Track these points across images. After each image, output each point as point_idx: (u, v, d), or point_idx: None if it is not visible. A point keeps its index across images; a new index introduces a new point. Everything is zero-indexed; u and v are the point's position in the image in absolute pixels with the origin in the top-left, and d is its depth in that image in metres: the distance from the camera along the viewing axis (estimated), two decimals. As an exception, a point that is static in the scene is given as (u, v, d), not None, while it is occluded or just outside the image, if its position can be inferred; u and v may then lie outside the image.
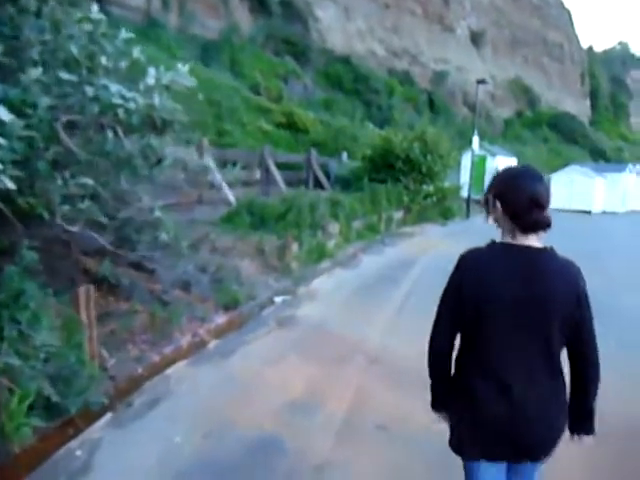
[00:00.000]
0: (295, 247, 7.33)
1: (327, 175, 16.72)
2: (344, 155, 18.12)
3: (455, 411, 1.88)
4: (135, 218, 5.39)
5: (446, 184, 15.38)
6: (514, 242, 1.76)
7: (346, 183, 15.11)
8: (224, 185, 11.16)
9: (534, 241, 1.75)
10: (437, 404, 1.99)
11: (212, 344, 4.61)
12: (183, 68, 3.79)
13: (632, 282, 8.50)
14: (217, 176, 11.30)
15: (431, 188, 14.22)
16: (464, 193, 18.04)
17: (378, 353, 4.67)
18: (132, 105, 2.94)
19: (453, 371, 1.91)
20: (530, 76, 52.83)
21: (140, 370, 3.89)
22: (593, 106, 63.67)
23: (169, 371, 4.03)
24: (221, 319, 5.02)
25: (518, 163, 25.36)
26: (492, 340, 1.74)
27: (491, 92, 48.89)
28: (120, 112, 2.92)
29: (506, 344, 1.73)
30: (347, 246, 9.61)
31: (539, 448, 1.80)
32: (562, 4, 61.73)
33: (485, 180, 21.20)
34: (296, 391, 3.81)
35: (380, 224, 11.96)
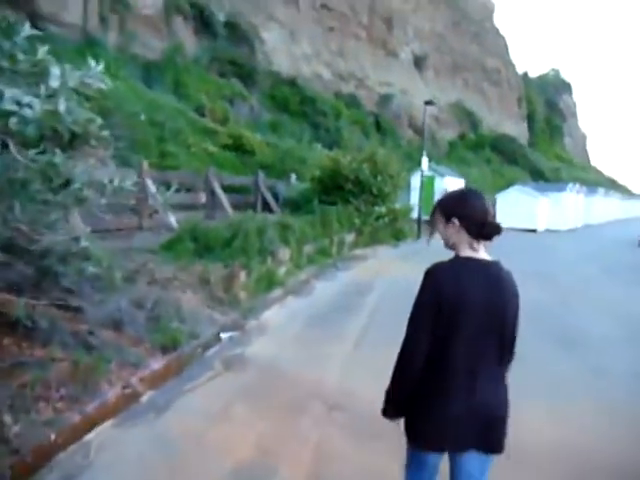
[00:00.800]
0: (243, 276, 6.74)
1: (276, 198, 16.22)
2: (292, 177, 17.71)
3: (421, 410, 1.98)
4: (56, 248, 4.71)
5: (397, 205, 15.18)
6: (472, 256, 1.98)
7: (295, 206, 14.65)
8: (165, 209, 10.46)
9: (484, 254, 2.00)
10: (395, 410, 2.07)
11: (146, 396, 3.93)
12: (96, 67, 3.17)
13: (594, 302, 8.39)
14: (158, 200, 10.58)
15: (383, 209, 13.96)
16: (414, 214, 17.98)
17: (338, 397, 4.13)
18: (28, 112, 2.34)
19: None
20: (471, 100, 54.58)
21: (53, 437, 3.19)
22: (530, 128, 66.40)
23: (90, 436, 3.34)
24: (158, 364, 4.35)
25: (465, 184, 25.72)
26: (461, 344, 1.91)
27: (435, 115, 50.01)
28: (12, 121, 2.31)
29: (472, 347, 1.92)
30: (299, 272, 9.08)
31: (495, 437, 1.97)
32: (498, 31, 64.52)
33: (434, 200, 21.26)
34: (243, 454, 3.21)
35: (332, 247, 11.53)
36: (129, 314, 5.10)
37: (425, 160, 17.92)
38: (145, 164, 10.56)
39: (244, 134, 21.76)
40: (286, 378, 4.48)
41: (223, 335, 5.41)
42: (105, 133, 3.35)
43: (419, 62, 49.05)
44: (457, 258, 2.00)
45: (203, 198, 13.01)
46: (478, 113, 54.76)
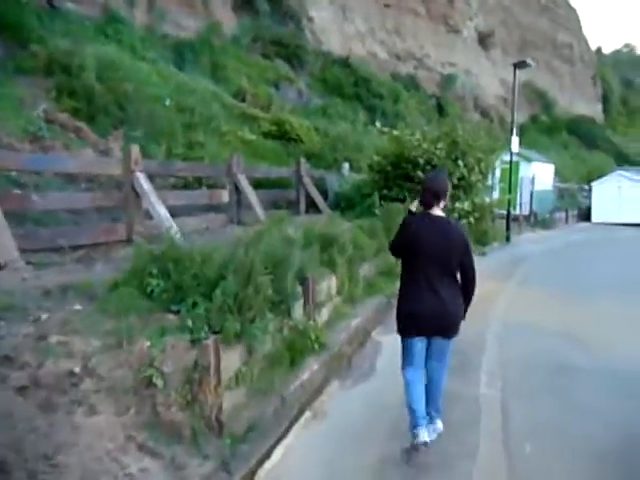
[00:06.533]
0: (235, 357, 3.35)
1: (324, 193, 12.83)
2: (345, 167, 14.24)
3: (400, 308, 3.50)
4: None
5: (486, 198, 11.37)
6: (429, 212, 3.42)
7: (349, 203, 11.24)
8: (162, 213, 7.28)
9: (439, 212, 3.43)
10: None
11: None
12: None
13: None
14: (152, 200, 7.41)
15: (466, 205, 10.16)
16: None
17: None
18: None
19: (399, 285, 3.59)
20: (542, 79, 49.09)
21: None
22: (605, 109, 60.38)
23: None
24: None
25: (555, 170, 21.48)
26: (421, 266, 3.35)
27: (503, 96, 45.50)
28: None
29: (427, 268, 3.32)
30: (351, 313, 5.67)
31: (448, 328, 3.39)
32: (569, 3, 58.33)
33: (520, 190, 17.18)
34: None
35: (400, 263, 8.04)
36: None
37: (515, 140, 13.91)
38: (134, 152, 7.38)
39: (288, 119, 18.45)
40: None
41: None
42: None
43: (484, 39, 44.38)
44: (419, 213, 3.52)
45: (226, 196, 9.79)
46: (550, 93, 49.31)
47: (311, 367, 4.14)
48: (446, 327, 3.34)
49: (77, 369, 2.96)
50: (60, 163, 6.66)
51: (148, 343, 3.19)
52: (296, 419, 3.44)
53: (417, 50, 37.01)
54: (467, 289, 3.39)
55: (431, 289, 3.27)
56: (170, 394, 2.87)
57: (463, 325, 3.60)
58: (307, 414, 3.57)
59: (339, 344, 4.80)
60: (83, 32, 15.89)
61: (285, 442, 3.14)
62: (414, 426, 3.25)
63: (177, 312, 3.73)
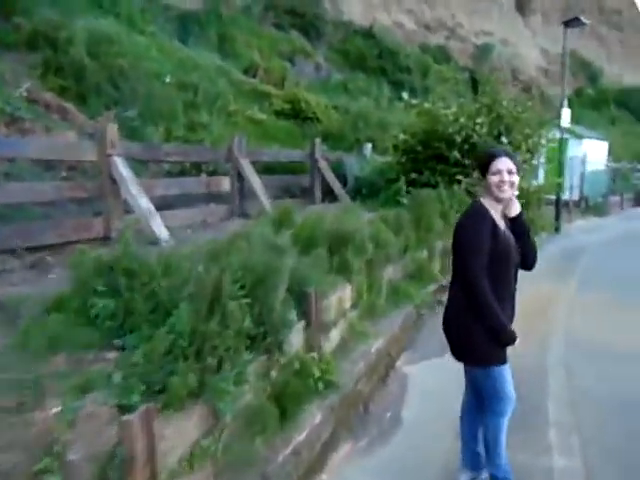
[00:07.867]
0: (190, 425, 2.12)
1: (343, 178, 11.43)
2: (367, 148, 12.75)
3: None
4: None
5: (533, 182, 9.72)
6: None
7: (372, 189, 9.83)
8: (144, 205, 6.07)
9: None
10: None
11: None
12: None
13: None
14: (131, 189, 6.21)
15: (511, 191, 8.53)
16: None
17: None
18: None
19: None
20: (587, 48, 45.79)
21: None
22: (659, 80, 56.33)
23: None
24: None
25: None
26: None
27: (544, 68, 42.67)
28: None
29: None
30: (370, 332, 4.36)
31: (452, 347, 2.59)
32: (617, -36, 54.28)
33: (570, 172, 15.34)
34: None
35: (433, 264, 6.62)
36: None
37: (567, 112, 12.08)
38: (111, 132, 6.16)
39: (304, 96, 17.00)
40: None
41: None
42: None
43: (523, 5, 41.49)
44: None
45: (226, 184, 8.52)
46: (596, 63, 46.02)
47: (312, 420, 2.88)
48: (451, 346, 2.61)
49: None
50: (14, 148, 5.47)
51: (58, 408, 1.96)
52: None
53: (448, 19, 34.71)
54: (467, 300, 2.43)
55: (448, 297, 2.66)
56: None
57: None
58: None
59: (353, 380, 3.53)
60: (74, 3, 14.50)
61: None
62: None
63: (123, 348, 2.52)
